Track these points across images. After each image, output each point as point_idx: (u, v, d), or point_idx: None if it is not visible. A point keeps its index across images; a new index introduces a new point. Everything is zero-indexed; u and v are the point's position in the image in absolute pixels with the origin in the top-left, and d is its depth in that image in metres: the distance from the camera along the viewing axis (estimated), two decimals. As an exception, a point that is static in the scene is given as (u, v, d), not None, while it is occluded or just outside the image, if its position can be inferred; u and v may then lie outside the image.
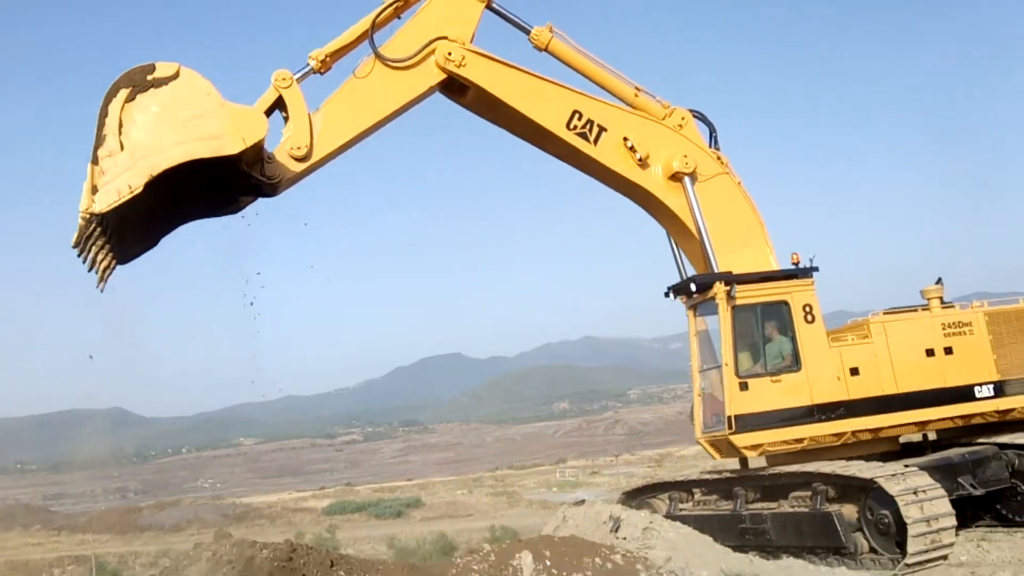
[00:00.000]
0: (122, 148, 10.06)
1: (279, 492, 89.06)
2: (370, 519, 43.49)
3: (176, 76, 10.39)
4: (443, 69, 12.39)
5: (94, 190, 9.97)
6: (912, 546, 10.74)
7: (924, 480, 11.30)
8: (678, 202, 13.15)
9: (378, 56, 12.20)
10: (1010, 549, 11.89)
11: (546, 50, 13.22)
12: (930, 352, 13.24)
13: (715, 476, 14.07)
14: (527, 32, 13.21)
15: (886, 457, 12.42)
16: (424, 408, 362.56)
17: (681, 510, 14.09)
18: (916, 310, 13.86)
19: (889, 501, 11.03)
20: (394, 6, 12.57)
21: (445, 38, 12.37)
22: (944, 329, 13.37)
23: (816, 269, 13.24)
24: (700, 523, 12.54)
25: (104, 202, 9.90)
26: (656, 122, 13.30)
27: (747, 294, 12.86)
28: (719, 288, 12.75)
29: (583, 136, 12.76)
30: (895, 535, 11.13)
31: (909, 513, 10.79)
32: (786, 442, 12.59)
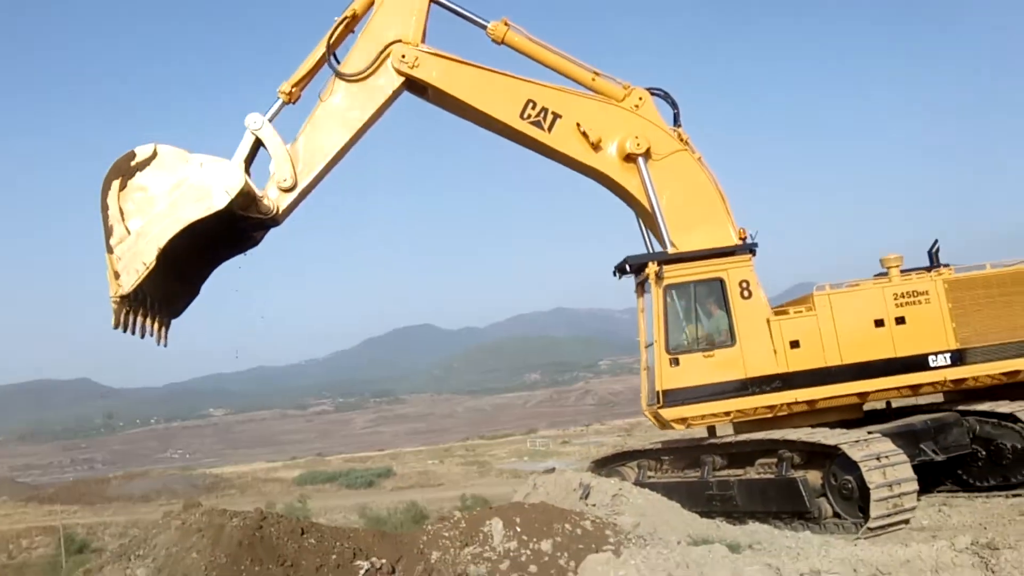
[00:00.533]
0: (128, 232, 11.40)
1: (250, 463, 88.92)
2: (341, 489, 43.65)
3: (155, 155, 11.59)
4: (399, 72, 12.91)
5: (116, 275, 11.42)
6: (875, 510, 10.96)
7: (887, 446, 11.50)
8: (633, 182, 13.39)
9: (338, 75, 12.87)
10: (970, 513, 12.16)
11: (503, 43, 13.51)
12: (879, 323, 13.09)
13: (683, 444, 14.26)
14: (484, 27, 13.52)
15: (850, 424, 12.60)
16: (395, 379, 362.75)
17: (650, 478, 14.28)
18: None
19: (853, 467, 11.22)
20: (345, 23, 13.14)
21: (399, 41, 12.88)
22: (896, 299, 13.17)
23: (755, 246, 13.39)
24: (668, 490, 12.71)
25: (128, 283, 11.38)
26: (612, 104, 13.49)
27: (680, 273, 13.18)
28: (650, 268, 13.05)
29: (537, 124, 13.10)
30: (858, 500, 11.34)
31: (872, 478, 11.00)
32: (715, 415, 13.04)
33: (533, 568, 8.99)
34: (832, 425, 12.34)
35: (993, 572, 7.25)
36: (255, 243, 13.19)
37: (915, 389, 13.35)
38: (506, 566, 9.02)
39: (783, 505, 12.14)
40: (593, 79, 13.58)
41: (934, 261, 14.09)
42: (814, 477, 11.96)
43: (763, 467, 12.60)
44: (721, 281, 13.18)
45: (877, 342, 13.03)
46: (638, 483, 13.43)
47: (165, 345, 12.92)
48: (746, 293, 13.10)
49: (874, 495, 10.95)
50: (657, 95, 13.79)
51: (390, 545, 9.22)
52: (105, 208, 11.55)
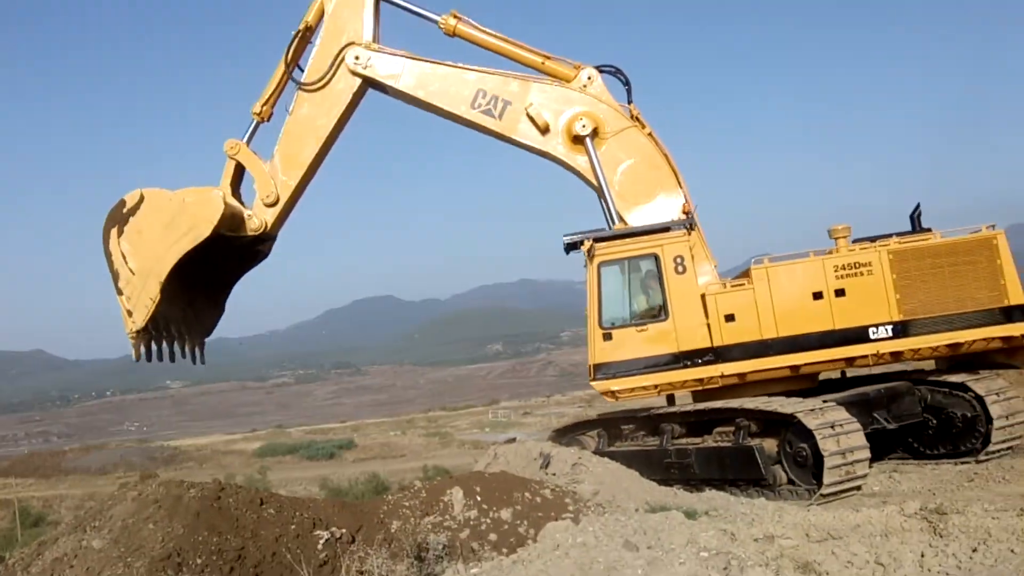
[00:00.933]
0: (133, 273, 12.72)
1: (209, 435, 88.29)
2: (302, 461, 43.50)
3: (142, 199, 12.83)
4: (355, 74, 13.63)
5: (129, 313, 12.85)
6: (828, 477, 11.19)
7: (841, 415, 11.70)
8: (582, 162, 13.67)
9: (300, 86, 13.71)
10: (920, 480, 12.45)
11: (455, 35, 13.89)
12: (818, 295, 12.97)
13: (643, 414, 14.41)
14: (435, 22, 13.93)
15: (806, 394, 12.79)
16: (357, 351, 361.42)
17: (609, 446, 14.43)
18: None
19: (807, 435, 11.42)
20: (300, 36, 13.91)
21: (352, 44, 13.62)
22: (837, 271, 13.01)
23: (690, 223, 13.50)
24: (627, 459, 12.85)
25: (140, 319, 12.77)
26: (561, 86, 13.71)
27: (615, 249, 13.44)
28: (585, 246, 13.37)
29: (488, 113, 13.51)
30: (812, 467, 11.57)
31: (826, 446, 11.21)
32: (643, 388, 13.33)
33: (493, 536, 9.06)
34: (788, 394, 12.53)
35: (941, 536, 7.43)
36: (263, 255, 14.46)
37: (850, 362, 13.17)
38: (466, 535, 9.08)
39: (739, 473, 12.35)
40: (543, 62, 13.81)
41: (916, 225, 13.86)
42: (770, 445, 12.17)
43: (721, 435, 12.79)
44: (656, 257, 13.38)
45: (815, 315, 12.94)
46: (597, 452, 13.56)
47: (203, 363, 14.71)
48: (681, 268, 13.26)
49: (827, 462, 11.17)
50: (607, 72, 13.92)
51: (350, 515, 9.22)
52: (108, 255, 12.91)
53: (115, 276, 12.96)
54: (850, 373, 14.47)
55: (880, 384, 13.59)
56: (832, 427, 11.43)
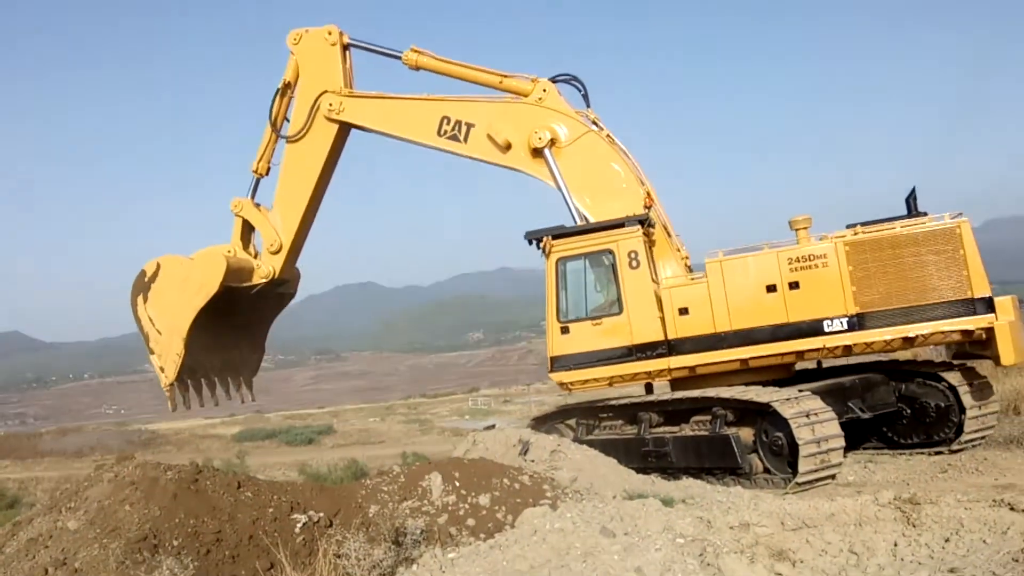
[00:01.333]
0: (160, 333, 14.21)
1: (187, 419, 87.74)
2: (281, 446, 43.38)
3: (159, 267, 14.34)
4: (330, 120, 14.67)
5: (161, 370, 14.34)
6: (803, 466, 11.29)
7: (816, 404, 11.78)
8: (544, 172, 14.12)
9: (285, 140, 14.90)
10: (894, 470, 12.56)
11: (418, 68, 14.84)
12: (771, 288, 12.89)
13: (621, 402, 14.47)
14: (398, 58, 14.85)
15: (783, 383, 12.88)
16: (337, 337, 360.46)
17: (588, 435, 14.49)
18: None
19: (783, 424, 11.51)
20: (281, 93, 15.05)
21: (325, 92, 14.66)
22: (791, 264, 12.87)
23: (643, 219, 13.64)
24: (606, 447, 12.91)
25: (171, 373, 14.24)
26: (518, 103, 14.26)
27: (572, 246, 13.82)
28: (544, 242, 13.84)
29: (454, 138, 14.25)
30: (787, 456, 11.67)
31: (801, 435, 11.29)
32: (596, 380, 13.75)
33: (471, 521, 9.09)
34: (765, 384, 12.62)
35: (914, 526, 7.51)
36: (289, 295, 16.18)
37: (801, 355, 13.04)
38: (444, 520, 9.10)
39: (716, 461, 12.44)
40: (501, 81, 14.44)
41: (912, 209, 13.56)
42: (746, 434, 12.27)
43: (698, 424, 12.88)
44: (611, 252, 13.64)
45: (768, 308, 12.90)
46: (576, 440, 13.63)
47: (252, 400, 16.51)
48: (635, 263, 13.47)
49: (803, 451, 11.26)
50: (563, 81, 14.44)
51: (328, 499, 9.22)
52: (138, 321, 14.46)
53: (146, 338, 14.52)
54: (826, 364, 14.60)
55: (855, 374, 13.72)
56: (807, 416, 11.52)
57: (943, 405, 13.25)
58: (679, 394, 13.42)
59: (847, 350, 12.83)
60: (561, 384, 13.98)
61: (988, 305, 12.12)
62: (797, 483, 11.38)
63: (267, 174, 15.30)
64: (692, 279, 13.71)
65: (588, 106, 14.33)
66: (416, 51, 14.74)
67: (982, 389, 13.22)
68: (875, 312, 12.51)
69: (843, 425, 11.95)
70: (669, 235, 14.63)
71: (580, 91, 14.39)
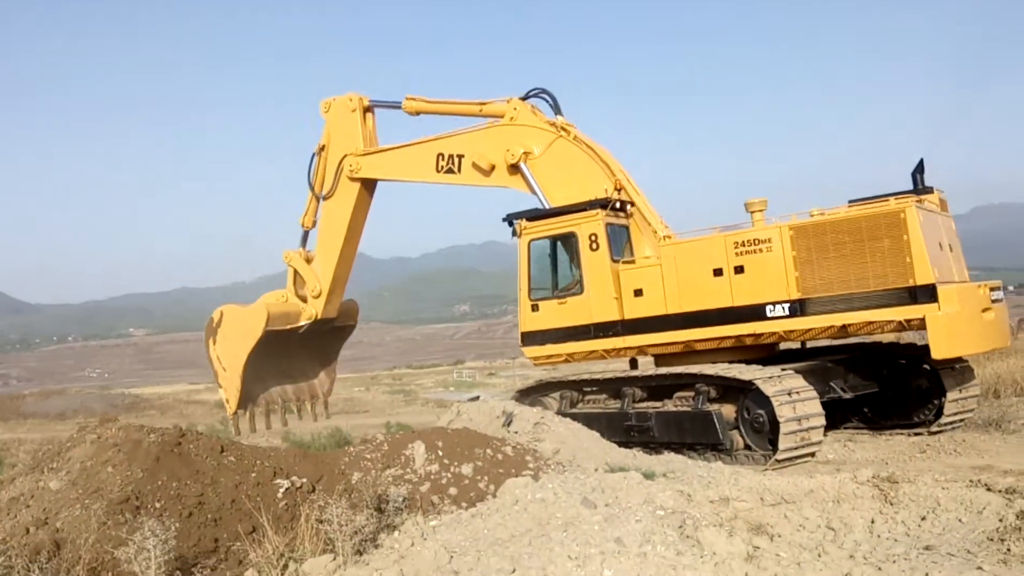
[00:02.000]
0: (224, 370, 16.59)
1: (171, 384, 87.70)
2: (265, 412, 43.30)
3: (222, 315, 16.72)
4: (352, 179, 16.56)
5: (227, 401, 16.75)
6: (783, 443, 11.38)
7: (798, 382, 11.85)
8: (523, 184, 15.09)
9: (318, 199, 16.98)
10: (873, 449, 12.70)
11: (417, 113, 16.44)
12: (718, 272, 12.94)
13: (605, 376, 14.55)
14: (399, 107, 16.56)
15: (766, 362, 12.96)
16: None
17: (571, 408, 14.58)
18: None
19: (765, 401, 11.58)
20: (318, 155, 16.97)
21: (347, 155, 16.54)
22: (736, 248, 12.83)
23: (605, 203, 13.98)
24: (589, 420, 13.00)
25: (234, 404, 16.63)
26: (494, 127, 15.34)
27: (540, 228, 14.62)
28: (517, 224, 14.78)
29: (450, 171, 15.59)
30: (768, 433, 11.76)
31: (782, 412, 11.36)
32: (558, 355, 14.58)
33: (453, 490, 9.13)
34: (748, 362, 12.69)
35: (891, 504, 7.60)
36: (349, 326, 18.49)
37: (742, 340, 13.02)
38: (427, 488, 9.14)
39: (698, 437, 12.54)
40: (480, 110, 15.64)
41: (918, 183, 13.22)
42: (728, 411, 12.36)
43: (680, 400, 12.98)
44: (574, 235, 14.20)
45: (715, 291, 12.96)
46: (560, 413, 13.70)
47: (327, 418, 18.95)
48: (595, 246, 13.96)
49: (783, 428, 11.34)
50: (533, 96, 15.30)
51: (311, 465, 9.24)
52: (210, 360, 16.78)
53: (216, 374, 16.84)
54: (810, 344, 14.68)
55: (838, 354, 13.82)
56: (789, 394, 11.59)
57: (924, 387, 13.39)
58: (663, 370, 13.51)
59: (789, 336, 12.72)
60: (530, 358, 14.96)
61: (930, 294, 11.50)
62: (777, 460, 11.48)
63: (313, 227, 17.45)
64: (646, 261, 13.93)
65: (558, 114, 15.09)
66: (411, 99, 16.36)
67: (963, 372, 13.34)
68: (816, 299, 12.28)
69: (825, 404, 12.03)
70: (644, 217, 14.72)
71: (549, 102, 15.24)
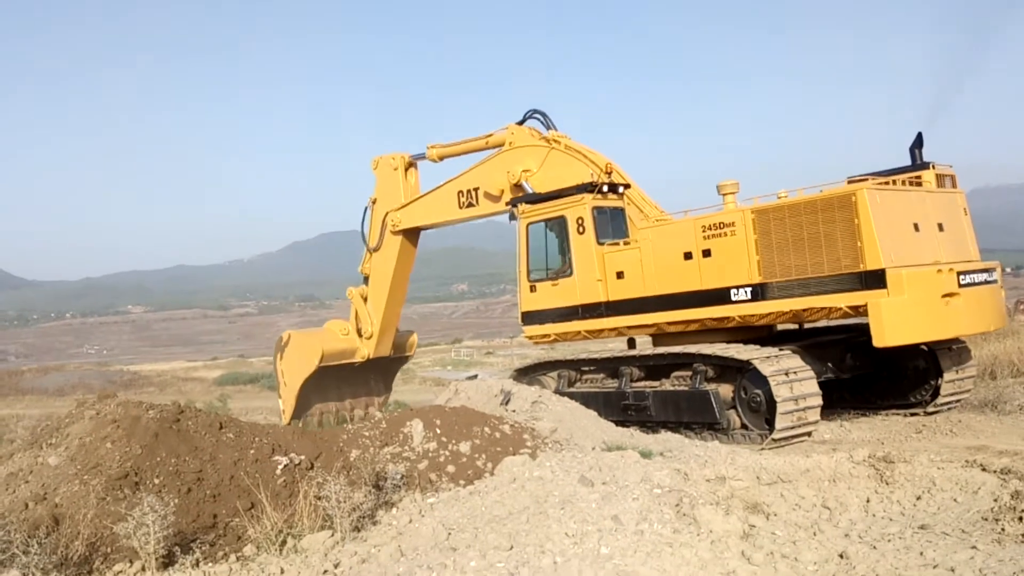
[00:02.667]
0: (285, 385, 18.33)
1: (169, 361, 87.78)
2: (263, 391, 43.33)
3: (290, 338, 18.47)
4: (394, 233, 17.83)
5: (284, 412, 18.34)
6: (780, 422, 11.41)
7: (796, 362, 11.88)
8: None
9: (369, 250, 18.36)
10: (869, 429, 12.74)
11: (441, 159, 17.74)
12: (688, 255, 13.05)
13: (603, 356, 14.59)
14: (424, 157, 17.92)
15: (763, 342, 12.96)
16: (322, 284, 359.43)
17: (569, 387, 14.64)
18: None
19: (762, 381, 11.62)
20: (369, 209, 18.36)
21: (389, 212, 17.81)
22: (704, 232, 12.88)
23: (591, 187, 14.27)
24: (586, 399, 13.05)
25: (289, 415, 18.11)
26: (497, 155, 16.22)
27: (536, 212, 15.02)
28: (518, 208, 15.29)
29: (470, 205, 16.53)
30: (765, 412, 11.80)
31: (779, 392, 11.39)
32: (552, 335, 15.01)
33: (451, 468, 9.16)
34: (745, 342, 12.70)
35: (887, 483, 7.64)
36: (404, 357, 20.06)
37: (718, 322, 13.02)
38: (424, 465, 9.17)
39: (695, 416, 12.59)
40: (486, 142, 16.68)
41: (916, 158, 13.03)
42: (725, 390, 12.40)
43: (678, 379, 13.01)
44: (564, 218, 14.59)
45: (686, 274, 13.08)
46: (558, 392, 13.75)
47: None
48: (581, 229, 14.33)
49: (780, 408, 11.36)
50: (529, 117, 16.18)
51: (309, 442, 9.27)
52: (275, 372, 18.68)
53: (278, 385, 18.55)
54: (807, 324, 14.69)
55: (836, 334, 13.83)
56: (786, 374, 11.62)
57: (921, 368, 13.42)
58: (661, 349, 13.54)
59: (749, 321, 12.69)
60: (530, 337, 15.39)
61: (879, 280, 11.23)
62: (774, 439, 11.52)
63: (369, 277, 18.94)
64: (627, 244, 14.10)
65: (549, 128, 15.93)
66: (431, 147, 17.66)
67: (960, 354, 13.37)
68: (776, 283, 12.19)
69: (821, 385, 12.05)
70: (634, 201, 15.08)
71: (541, 121, 16.08)
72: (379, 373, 19.74)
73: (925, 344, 12.93)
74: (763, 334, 13.49)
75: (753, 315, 12.50)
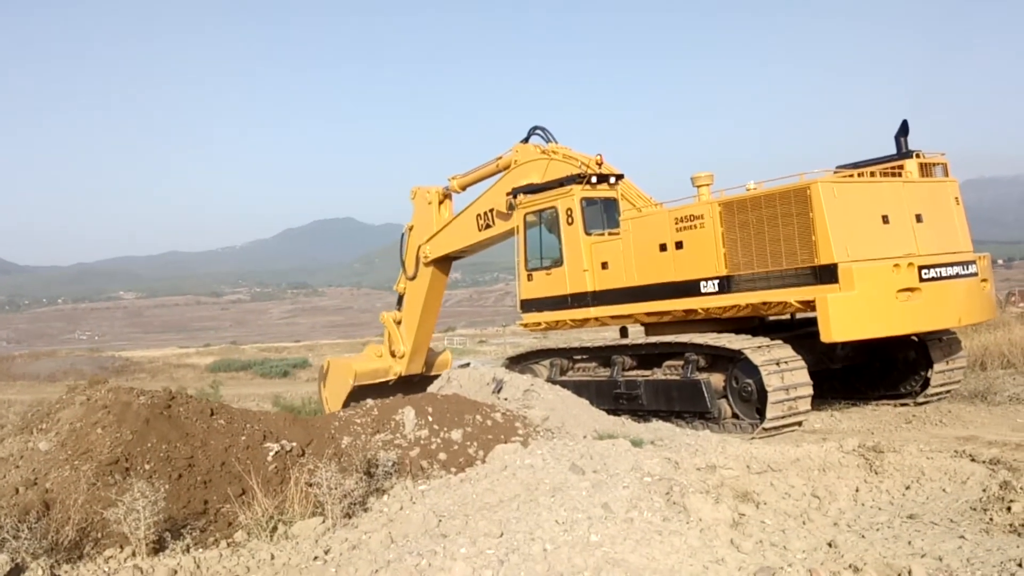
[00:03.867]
0: (328, 410, 17.82)
1: (161, 348, 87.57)
2: (255, 378, 43.28)
3: (329, 366, 19.43)
4: (426, 264, 18.36)
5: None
6: (771, 412, 11.43)
7: (787, 352, 11.89)
8: None
9: (408, 278, 18.93)
10: (860, 419, 12.78)
11: (463, 189, 18.24)
12: (663, 247, 13.16)
13: (595, 345, 14.62)
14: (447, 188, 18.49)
15: (754, 332, 12.97)
16: (314, 272, 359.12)
17: (561, 375, 14.68)
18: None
19: (753, 370, 11.64)
20: (407, 235, 19.06)
21: (421, 245, 18.37)
22: (677, 224, 12.98)
23: (579, 178, 14.54)
24: (578, 388, 13.09)
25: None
26: (505, 175, 16.57)
27: (531, 203, 15.35)
28: (517, 199, 15.57)
29: (488, 226, 16.86)
30: (756, 402, 11.83)
31: (770, 382, 11.41)
32: (545, 323, 15.37)
33: (443, 456, 9.18)
34: (737, 332, 12.71)
35: (876, 473, 7.69)
36: (438, 375, 18.70)
37: (688, 314, 13.06)
38: (416, 453, 9.19)
39: (686, 405, 12.63)
40: (497, 164, 17.10)
41: (902, 147, 12.88)
42: (717, 380, 12.43)
43: (670, 369, 13.04)
44: (555, 209, 14.85)
45: (661, 266, 13.20)
46: (550, 380, 13.78)
47: None
48: (570, 220, 14.56)
49: (771, 397, 11.39)
50: (532, 135, 16.49)
51: (301, 429, 9.26)
52: (320, 399, 19.16)
53: (323, 400, 18.99)
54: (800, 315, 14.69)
55: None
56: (778, 364, 11.63)
57: (911, 358, 13.47)
58: (653, 339, 13.57)
59: (713, 313, 12.73)
60: (525, 324, 15.77)
61: (831, 274, 11.17)
62: (764, 429, 11.56)
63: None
64: (611, 235, 14.24)
65: (548, 141, 16.26)
66: (452, 178, 18.35)
67: (951, 345, 13.40)
68: (739, 276, 12.26)
69: (812, 375, 12.06)
70: (623, 194, 15.20)
71: (542, 136, 16.39)
72: (413, 390, 20.41)
73: (915, 335, 12.98)
74: (749, 326, 13.33)
75: (718, 307, 12.57)
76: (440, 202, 18.79)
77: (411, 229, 19.00)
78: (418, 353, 19.17)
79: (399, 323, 19.17)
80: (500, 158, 17.17)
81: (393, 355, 19.27)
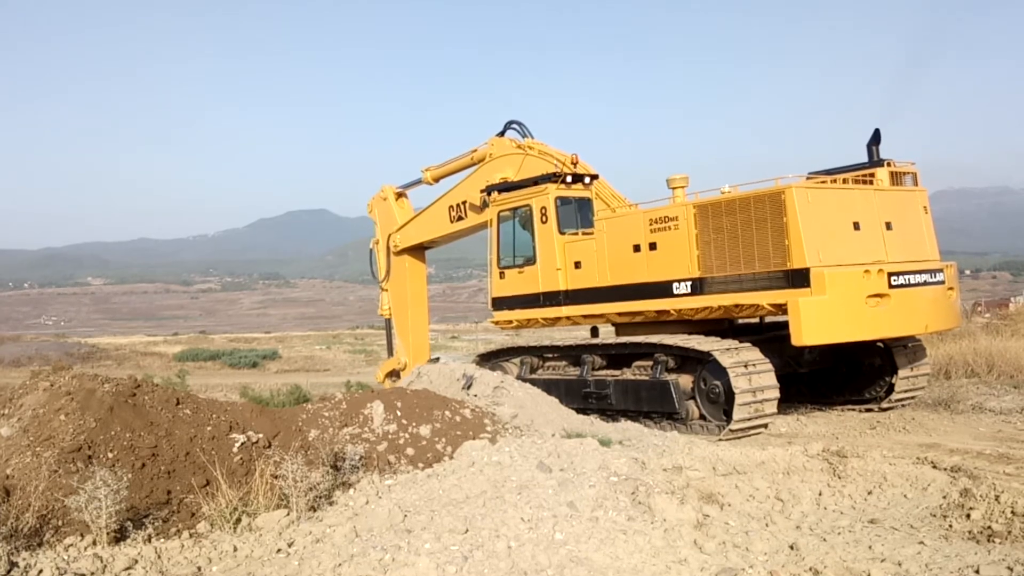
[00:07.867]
0: None
1: (128, 335, 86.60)
2: (224, 368, 42.95)
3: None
4: (397, 254, 18.87)
5: None
6: (737, 413, 11.52)
7: (755, 355, 11.99)
8: None
9: (383, 288, 19.50)
10: (825, 424, 12.92)
11: (436, 180, 18.35)
12: (637, 248, 13.22)
13: (566, 343, 14.66)
14: (420, 183, 18.73)
15: (723, 335, 13.05)
16: (287, 263, 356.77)
17: (531, 373, 14.70)
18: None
19: (722, 372, 11.71)
20: (375, 250, 19.59)
21: (390, 234, 18.86)
22: (651, 225, 13.04)
23: (554, 177, 14.62)
24: (548, 386, 13.11)
25: None
26: (479, 168, 16.68)
27: (505, 201, 15.42)
28: (490, 196, 15.65)
29: (460, 218, 17.05)
30: (723, 404, 11.92)
31: (738, 384, 11.50)
32: (519, 321, 15.47)
33: (410, 451, 9.16)
34: (707, 333, 12.79)
35: (839, 477, 7.77)
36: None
37: (660, 315, 13.13)
38: (384, 447, 9.16)
39: (654, 406, 12.69)
40: (471, 157, 17.15)
41: (873, 156, 13.02)
42: (685, 381, 12.51)
43: (639, 369, 13.11)
44: (529, 208, 14.92)
45: (635, 266, 13.27)
46: (520, 378, 13.79)
47: None
48: (544, 219, 14.64)
49: (738, 399, 11.47)
50: (508, 129, 16.56)
51: (268, 421, 9.19)
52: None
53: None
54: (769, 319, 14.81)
55: None
56: (745, 366, 11.72)
57: (877, 364, 13.62)
58: (623, 339, 13.63)
59: (685, 314, 12.81)
60: (497, 322, 15.80)
61: (804, 279, 11.27)
62: (731, 430, 11.65)
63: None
64: (584, 235, 14.29)
65: (525, 136, 16.32)
66: (425, 169, 18.38)
67: (916, 352, 13.58)
68: (712, 278, 12.33)
69: (780, 379, 12.15)
70: (598, 193, 15.27)
71: (518, 130, 16.48)
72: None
73: (880, 341, 13.10)
74: (719, 328, 13.37)
75: (691, 308, 12.64)
76: (396, 198, 19.22)
77: (377, 243, 19.42)
78: (421, 351, 19.31)
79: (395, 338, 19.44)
80: (475, 151, 17.16)
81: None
